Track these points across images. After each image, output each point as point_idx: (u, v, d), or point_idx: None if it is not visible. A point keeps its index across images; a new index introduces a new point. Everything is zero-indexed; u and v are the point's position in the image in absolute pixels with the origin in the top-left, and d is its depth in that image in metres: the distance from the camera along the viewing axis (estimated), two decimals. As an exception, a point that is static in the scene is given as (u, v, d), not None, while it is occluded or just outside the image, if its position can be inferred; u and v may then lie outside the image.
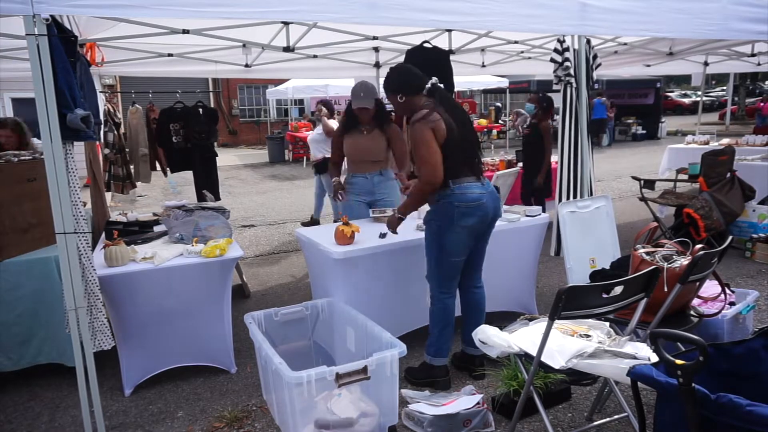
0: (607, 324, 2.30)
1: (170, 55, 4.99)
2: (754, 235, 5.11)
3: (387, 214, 3.38)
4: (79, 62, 2.38)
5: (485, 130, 17.98)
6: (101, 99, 4.58)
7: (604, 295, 2.10)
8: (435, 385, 3.00)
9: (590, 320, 2.26)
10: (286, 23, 4.31)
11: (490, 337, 2.27)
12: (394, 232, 3.09)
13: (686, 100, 28.87)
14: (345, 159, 4.10)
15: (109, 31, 4.08)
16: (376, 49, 5.78)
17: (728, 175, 5.13)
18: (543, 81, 15.12)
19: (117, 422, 2.80)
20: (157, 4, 2.18)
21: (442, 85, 2.88)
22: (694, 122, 10.42)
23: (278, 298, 4.57)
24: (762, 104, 16.49)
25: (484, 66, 6.41)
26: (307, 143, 14.46)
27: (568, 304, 1.99)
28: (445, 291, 2.94)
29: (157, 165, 5.55)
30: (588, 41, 3.81)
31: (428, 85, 2.82)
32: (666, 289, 2.35)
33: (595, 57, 3.95)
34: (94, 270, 2.50)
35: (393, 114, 4.13)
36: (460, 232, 2.79)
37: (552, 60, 3.85)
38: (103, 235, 3.52)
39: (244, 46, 4.81)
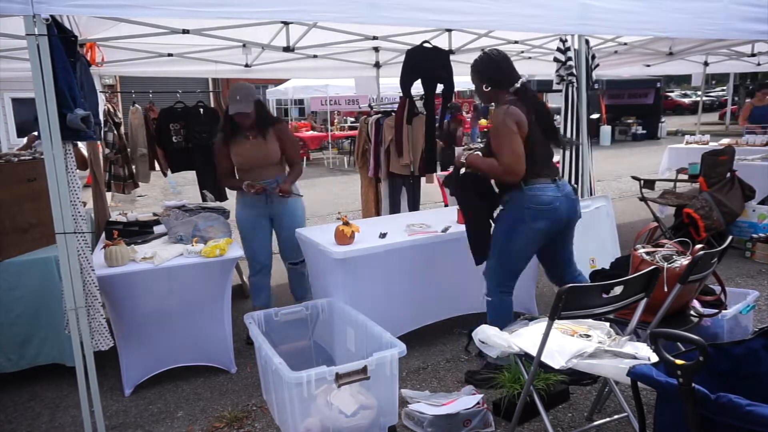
0: (607, 324, 2.30)
1: (170, 55, 4.99)
2: (754, 235, 5.11)
3: (426, 229, 3.30)
4: (79, 62, 2.39)
5: (485, 129, 18.00)
6: (101, 99, 4.57)
7: (604, 295, 2.10)
8: (480, 385, 2.92)
9: (590, 320, 2.26)
10: (286, 23, 4.31)
11: (490, 337, 2.27)
12: (461, 165, 2.93)
13: (686, 100, 28.88)
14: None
15: (109, 31, 4.08)
16: (376, 49, 5.78)
17: (728, 175, 5.13)
18: (543, 81, 15.09)
19: (117, 422, 2.80)
20: (157, 4, 2.18)
21: (528, 85, 2.85)
22: (694, 122, 10.42)
23: (278, 298, 4.57)
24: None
25: (484, 66, 6.40)
26: (307, 143, 14.56)
27: (568, 304, 1.99)
28: (504, 289, 2.90)
29: (156, 165, 5.55)
30: (587, 41, 3.81)
31: (517, 84, 2.79)
32: (666, 289, 2.35)
33: (593, 57, 3.95)
34: (93, 270, 2.50)
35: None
36: (530, 234, 2.76)
37: (555, 59, 3.85)
38: (103, 235, 3.52)
39: (244, 46, 4.81)
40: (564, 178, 3.87)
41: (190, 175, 5.48)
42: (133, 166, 5.44)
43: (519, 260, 2.85)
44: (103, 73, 5.62)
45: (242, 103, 3.38)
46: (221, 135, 3.61)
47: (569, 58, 3.73)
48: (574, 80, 3.76)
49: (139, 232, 3.58)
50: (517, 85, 2.79)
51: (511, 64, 2.85)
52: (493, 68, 2.82)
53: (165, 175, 5.66)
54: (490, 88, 2.83)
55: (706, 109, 22.68)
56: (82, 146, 4.60)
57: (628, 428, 2.53)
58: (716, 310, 2.83)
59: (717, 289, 2.85)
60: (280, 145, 3.57)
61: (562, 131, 3.90)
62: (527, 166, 2.69)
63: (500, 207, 2.89)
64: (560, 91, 3.93)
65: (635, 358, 1.92)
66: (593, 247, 3.49)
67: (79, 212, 2.34)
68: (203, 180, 5.24)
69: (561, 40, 3.78)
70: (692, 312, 2.67)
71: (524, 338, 2.26)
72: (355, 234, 3.19)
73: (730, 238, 2.57)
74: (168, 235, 3.39)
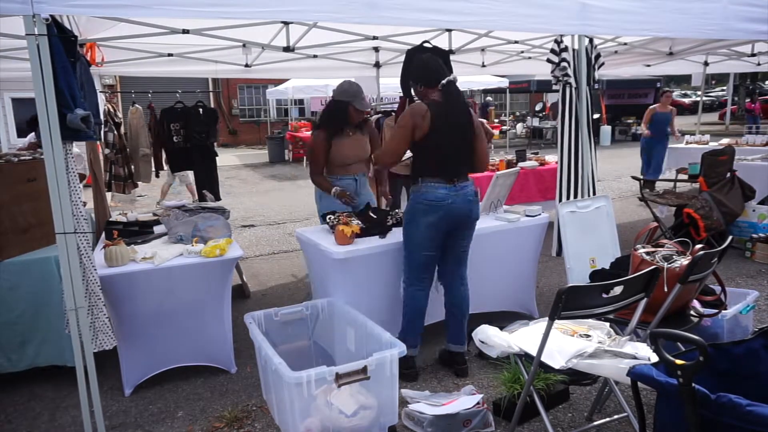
0: (607, 324, 2.30)
1: (170, 55, 4.99)
2: (754, 235, 5.12)
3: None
4: (79, 62, 2.38)
5: (484, 129, 17.97)
6: (101, 99, 4.57)
7: (604, 295, 2.10)
8: (401, 377, 2.97)
9: (590, 320, 2.26)
10: (286, 23, 4.31)
11: (490, 337, 2.28)
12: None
13: (686, 100, 28.87)
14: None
15: (109, 31, 4.08)
16: (376, 49, 5.78)
17: (728, 175, 5.13)
18: (543, 81, 15.13)
19: (117, 422, 2.80)
20: (157, 4, 2.18)
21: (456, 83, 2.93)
22: (694, 122, 10.42)
23: (278, 298, 4.57)
24: (752, 105, 16.45)
25: (484, 66, 6.41)
26: (306, 143, 14.54)
27: (568, 304, 1.99)
28: (414, 282, 3.04)
29: (163, 164, 5.56)
30: (591, 40, 3.80)
31: (443, 81, 2.86)
32: (666, 289, 2.35)
33: (598, 56, 3.94)
34: (95, 270, 2.50)
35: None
36: (422, 227, 2.91)
37: (548, 60, 3.84)
38: (103, 235, 3.52)
39: (244, 46, 4.81)
40: (564, 178, 3.89)
41: (190, 175, 5.48)
42: (133, 166, 5.45)
43: (421, 252, 2.97)
44: (103, 73, 5.62)
45: (364, 101, 3.65)
46: (324, 131, 3.63)
47: (563, 60, 3.73)
48: (571, 81, 3.75)
49: (139, 232, 3.58)
50: (444, 81, 2.87)
51: (439, 64, 2.96)
52: (421, 69, 2.97)
53: (158, 175, 5.67)
54: (422, 88, 2.95)
55: (706, 109, 22.67)
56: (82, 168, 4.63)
57: (628, 428, 2.53)
58: (716, 310, 2.83)
59: (717, 289, 2.84)
60: (370, 141, 3.79)
61: (560, 131, 3.90)
62: (423, 164, 2.90)
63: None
64: (558, 91, 3.92)
65: (635, 358, 1.93)
66: (593, 247, 3.48)
67: (80, 212, 2.34)
68: (202, 180, 5.24)
69: (556, 41, 3.77)
70: (692, 312, 2.67)
71: (524, 338, 2.26)
72: (354, 234, 3.18)
73: (730, 238, 2.58)
74: (168, 235, 3.39)
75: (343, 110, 3.55)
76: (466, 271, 3.16)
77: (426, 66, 2.95)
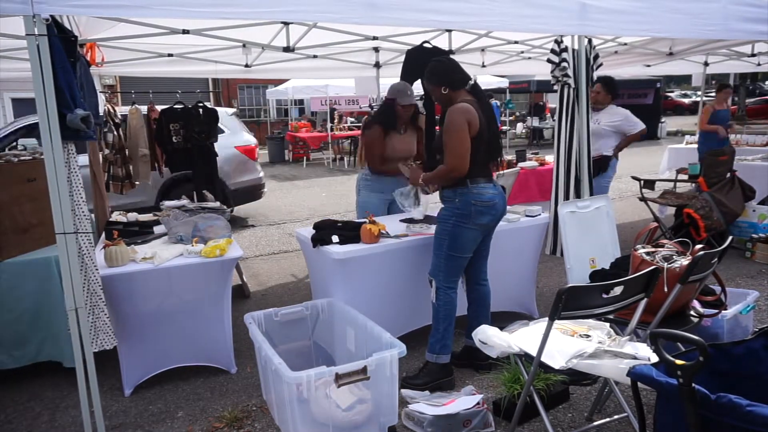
0: (608, 324, 2.30)
1: (170, 55, 4.99)
2: (754, 235, 5.12)
3: (419, 228, 3.39)
4: (79, 62, 2.38)
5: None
6: (101, 99, 4.57)
7: (604, 296, 2.10)
8: (441, 387, 2.99)
9: (590, 320, 2.26)
10: (286, 23, 4.31)
11: (490, 338, 2.28)
12: (415, 183, 3.25)
13: (686, 100, 28.87)
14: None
15: (109, 31, 4.08)
16: (376, 49, 5.78)
17: (728, 175, 5.13)
18: (543, 81, 15.13)
19: (117, 422, 2.80)
20: (157, 4, 2.18)
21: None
22: (694, 122, 10.42)
23: (278, 298, 4.57)
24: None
25: (484, 66, 6.41)
26: (306, 143, 14.56)
27: (568, 304, 1.99)
28: (451, 286, 3.01)
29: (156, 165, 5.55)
30: (589, 41, 3.80)
31: (471, 82, 2.94)
32: (666, 290, 2.35)
33: (596, 57, 3.94)
34: (97, 270, 2.50)
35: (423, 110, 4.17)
36: (474, 229, 2.91)
37: (549, 60, 3.84)
38: (103, 235, 3.52)
39: (244, 46, 4.81)
40: (561, 179, 3.89)
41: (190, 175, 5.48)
42: (131, 167, 5.44)
43: (464, 255, 2.97)
44: (103, 73, 5.62)
45: (411, 97, 3.80)
46: (379, 126, 3.86)
47: (563, 60, 3.73)
48: (570, 81, 3.75)
49: (139, 232, 3.58)
50: (471, 82, 2.93)
51: (460, 66, 2.99)
52: (450, 71, 2.95)
53: (162, 175, 5.66)
54: (447, 90, 2.93)
55: (706, 109, 22.62)
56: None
57: (628, 428, 2.53)
58: (716, 310, 2.84)
59: (717, 289, 2.85)
60: (418, 139, 3.93)
61: (558, 132, 3.90)
62: (474, 165, 2.84)
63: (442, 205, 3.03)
64: (556, 91, 3.92)
65: (635, 358, 1.93)
66: (593, 247, 3.48)
67: (82, 211, 2.34)
68: (201, 180, 5.24)
69: (556, 41, 3.77)
70: (692, 312, 2.67)
71: (524, 338, 2.26)
72: (381, 233, 3.23)
73: (730, 238, 2.58)
74: (168, 235, 3.39)
75: (391, 107, 3.81)
76: (487, 271, 3.23)
77: (453, 68, 2.95)
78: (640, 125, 5.05)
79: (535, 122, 18.47)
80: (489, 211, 2.91)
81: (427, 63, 3.03)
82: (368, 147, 3.92)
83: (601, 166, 4.86)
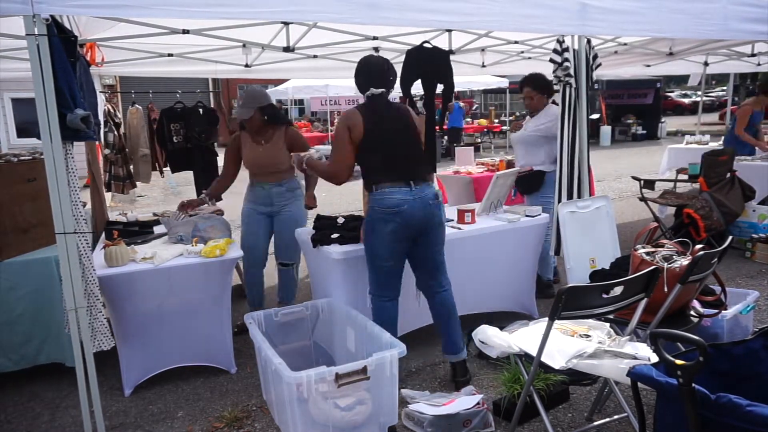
0: (608, 324, 2.30)
1: (170, 55, 4.99)
2: (754, 236, 5.12)
3: None
4: (79, 62, 2.38)
5: (485, 130, 18.00)
6: (101, 99, 4.57)
7: (604, 296, 2.10)
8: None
9: (590, 320, 2.26)
10: (286, 23, 4.31)
11: (490, 338, 2.28)
12: (299, 166, 3.15)
13: (686, 100, 28.86)
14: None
15: (109, 31, 4.08)
16: (376, 49, 5.77)
17: (728, 175, 5.13)
18: (543, 81, 15.10)
19: (117, 422, 2.80)
20: (157, 4, 2.18)
21: (381, 92, 2.86)
22: (694, 122, 10.42)
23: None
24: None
25: (484, 66, 6.41)
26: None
27: (568, 304, 1.99)
28: (381, 294, 2.90)
29: (156, 165, 5.56)
30: (588, 41, 3.80)
31: (368, 92, 2.84)
32: (666, 290, 2.35)
33: (595, 57, 3.94)
34: (94, 270, 2.50)
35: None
36: (381, 236, 2.78)
37: (551, 60, 3.84)
38: (103, 235, 3.52)
39: (244, 46, 4.81)
40: (564, 179, 3.89)
41: (190, 175, 5.48)
42: (131, 166, 5.44)
43: (382, 262, 2.83)
44: (103, 73, 5.62)
45: (242, 108, 3.54)
46: (232, 137, 3.79)
47: (566, 59, 3.73)
48: (572, 81, 3.75)
49: (139, 232, 3.58)
50: (368, 93, 2.83)
51: (378, 70, 2.89)
52: (357, 77, 2.91)
53: (162, 175, 5.66)
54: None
55: (706, 109, 22.65)
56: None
57: (628, 428, 2.53)
58: (716, 311, 2.84)
59: (717, 289, 2.85)
60: (291, 151, 3.53)
61: (560, 132, 3.90)
62: (372, 170, 2.80)
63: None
64: (558, 91, 3.92)
65: (635, 358, 1.93)
66: (593, 247, 3.49)
67: (79, 212, 2.34)
68: (201, 181, 5.24)
69: (558, 41, 3.77)
70: (692, 312, 2.67)
71: (524, 338, 2.26)
72: None
73: (730, 238, 2.58)
74: (168, 235, 3.39)
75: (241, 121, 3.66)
76: (443, 277, 3.00)
77: (366, 71, 2.90)
78: None
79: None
80: (393, 218, 2.72)
81: (428, 63, 3.01)
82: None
83: (533, 182, 4.16)
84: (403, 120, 2.91)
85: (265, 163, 3.64)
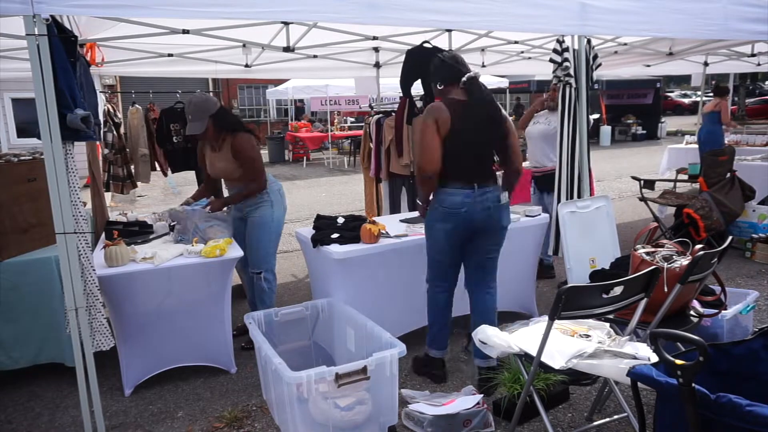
0: (607, 324, 2.30)
1: (170, 55, 4.99)
2: (754, 235, 5.12)
3: (420, 228, 3.33)
4: (79, 62, 2.39)
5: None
6: (101, 99, 4.57)
7: (604, 296, 2.10)
8: (432, 378, 3.04)
9: (590, 320, 2.26)
10: (286, 23, 4.31)
11: (490, 338, 2.27)
12: (423, 215, 2.98)
13: (686, 100, 28.86)
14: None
15: (109, 31, 4.08)
16: (376, 49, 5.78)
17: (728, 175, 5.13)
18: (543, 81, 15.11)
19: (117, 422, 2.80)
20: (157, 4, 2.18)
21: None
22: (694, 122, 10.43)
23: (278, 298, 4.56)
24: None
25: (484, 66, 6.41)
26: (306, 143, 14.57)
27: (568, 304, 1.99)
28: (436, 284, 2.99)
29: (157, 165, 5.56)
30: (588, 41, 3.80)
31: (464, 78, 2.74)
32: (666, 290, 2.35)
33: (595, 57, 3.94)
34: (94, 270, 2.50)
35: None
36: (438, 233, 2.85)
37: (551, 60, 3.84)
38: (103, 235, 3.52)
39: (244, 46, 4.81)
40: (563, 179, 3.89)
41: (190, 175, 5.49)
42: (132, 166, 5.45)
43: (437, 257, 2.92)
44: (103, 73, 5.63)
45: (194, 122, 3.32)
46: (199, 145, 3.68)
47: (566, 59, 3.73)
48: (572, 81, 3.75)
49: (139, 232, 3.58)
50: (464, 79, 2.74)
51: (460, 60, 2.82)
52: (437, 67, 2.83)
53: (165, 174, 5.66)
54: (442, 86, 2.82)
55: (706, 109, 22.62)
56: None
57: (628, 428, 2.53)
58: (716, 310, 2.84)
59: (717, 289, 2.85)
60: (236, 162, 3.40)
61: (559, 132, 3.90)
62: (444, 167, 2.72)
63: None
64: (557, 91, 3.92)
65: (635, 358, 1.93)
66: (593, 247, 3.49)
67: (79, 212, 2.34)
68: (202, 180, 5.24)
69: (558, 41, 3.77)
70: (692, 312, 2.67)
71: (524, 338, 2.26)
72: (381, 232, 3.22)
73: (730, 238, 2.58)
74: (174, 230, 3.38)
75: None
76: (491, 278, 2.99)
77: (447, 63, 2.79)
78: None
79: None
80: (451, 218, 2.75)
81: (428, 63, 3.00)
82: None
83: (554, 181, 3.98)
84: (491, 115, 2.79)
85: (218, 172, 3.55)
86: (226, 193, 3.78)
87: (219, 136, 3.42)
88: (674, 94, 30.29)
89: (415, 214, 3.86)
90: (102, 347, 2.52)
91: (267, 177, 3.53)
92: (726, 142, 7.20)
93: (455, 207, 2.75)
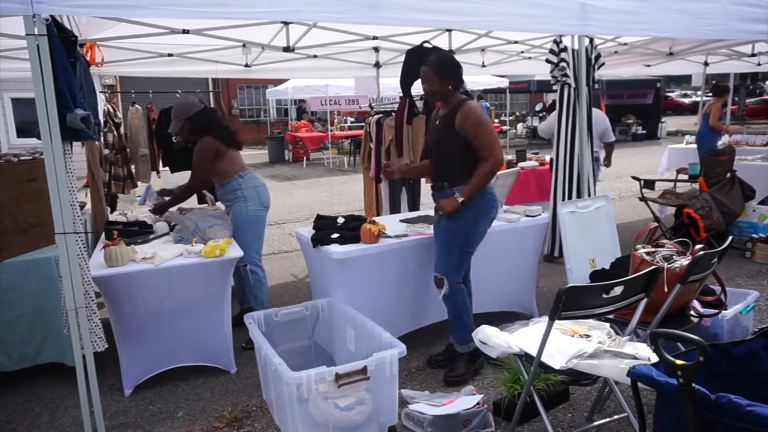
0: (608, 324, 2.30)
1: (170, 55, 4.99)
2: (754, 235, 5.11)
3: (420, 228, 3.38)
4: (79, 62, 2.38)
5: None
6: (101, 99, 4.57)
7: (604, 296, 2.10)
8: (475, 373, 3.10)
9: (590, 320, 2.26)
10: (286, 23, 4.31)
11: (490, 338, 2.27)
12: (449, 215, 2.94)
13: (686, 100, 28.86)
14: None
15: (109, 31, 4.08)
16: (376, 49, 5.78)
17: (728, 175, 5.13)
18: (543, 81, 15.11)
19: (117, 422, 2.80)
20: (157, 4, 2.18)
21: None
22: (694, 122, 10.42)
23: (278, 298, 4.57)
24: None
25: (484, 66, 6.42)
26: (306, 143, 14.56)
27: (568, 304, 1.99)
28: (458, 279, 3.05)
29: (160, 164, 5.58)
30: (591, 41, 3.80)
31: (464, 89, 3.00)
32: (666, 290, 2.35)
33: (598, 57, 3.94)
34: (89, 270, 2.49)
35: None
36: (485, 225, 3.02)
37: (547, 61, 3.84)
38: (103, 235, 3.52)
39: (244, 46, 4.81)
40: (561, 178, 3.89)
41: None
42: (132, 166, 5.45)
43: (474, 249, 3.04)
44: (103, 73, 5.63)
45: (173, 122, 3.56)
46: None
47: (562, 60, 3.73)
48: (570, 81, 3.75)
49: (139, 232, 3.58)
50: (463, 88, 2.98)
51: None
52: (458, 69, 2.92)
53: (158, 175, 5.66)
54: (452, 87, 2.91)
55: (706, 109, 22.61)
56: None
57: (628, 428, 2.53)
58: (716, 311, 2.83)
59: (717, 289, 2.85)
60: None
61: (557, 131, 3.90)
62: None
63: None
64: (557, 91, 3.93)
65: (635, 358, 1.92)
66: (593, 247, 3.48)
67: (76, 213, 2.34)
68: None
69: (554, 41, 3.77)
70: (692, 312, 2.67)
71: (524, 338, 2.26)
72: (381, 232, 3.23)
73: (730, 238, 2.58)
74: (175, 230, 3.39)
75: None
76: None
77: (460, 69, 2.92)
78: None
79: (535, 122, 18.47)
80: (494, 209, 3.01)
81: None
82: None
83: None
84: None
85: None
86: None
87: (197, 138, 3.59)
88: (674, 94, 30.30)
89: (415, 214, 3.85)
90: (96, 348, 2.52)
91: (245, 173, 3.69)
92: (719, 144, 7.15)
93: (495, 197, 3.01)
